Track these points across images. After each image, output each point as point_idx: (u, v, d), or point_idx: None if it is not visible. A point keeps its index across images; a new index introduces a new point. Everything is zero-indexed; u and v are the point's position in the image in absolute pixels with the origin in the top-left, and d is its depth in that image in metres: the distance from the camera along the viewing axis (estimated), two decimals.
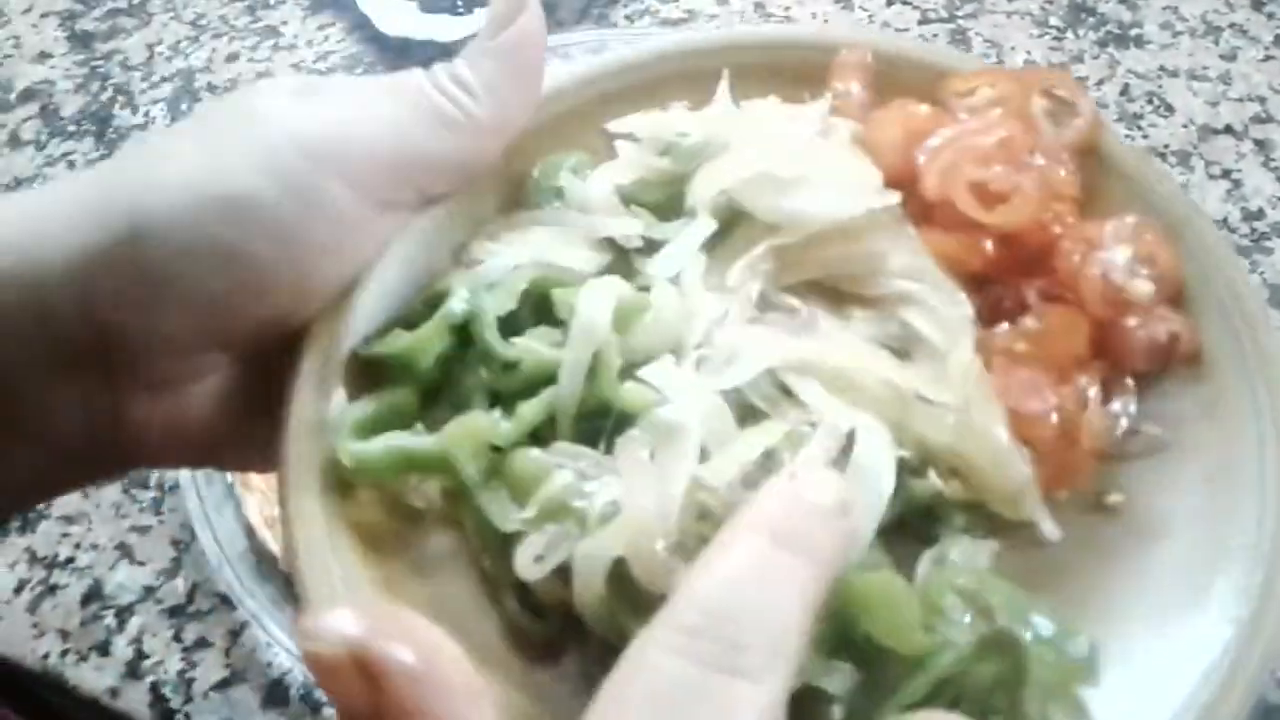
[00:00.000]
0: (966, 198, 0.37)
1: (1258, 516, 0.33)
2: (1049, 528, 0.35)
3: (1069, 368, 0.36)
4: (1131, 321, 0.36)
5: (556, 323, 0.38)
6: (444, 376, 0.38)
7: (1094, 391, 0.36)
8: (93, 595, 0.68)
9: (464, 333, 0.37)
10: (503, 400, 0.36)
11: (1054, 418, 0.35)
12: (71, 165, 0.91)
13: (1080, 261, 0.37)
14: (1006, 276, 0.38)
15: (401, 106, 0.37)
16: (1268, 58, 0.88)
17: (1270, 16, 0.91)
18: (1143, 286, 0.36)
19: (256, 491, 0.68)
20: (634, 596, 0.32)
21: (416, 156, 0.37)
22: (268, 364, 0.38)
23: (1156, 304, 0.37)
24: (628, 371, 0.35)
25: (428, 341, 0.36)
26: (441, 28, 0.91)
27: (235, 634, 0.66)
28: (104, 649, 0.66)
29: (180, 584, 0.68)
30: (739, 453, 0.33)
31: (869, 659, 0.31)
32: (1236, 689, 0.30)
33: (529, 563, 0.33)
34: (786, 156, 0.38)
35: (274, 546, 0.66)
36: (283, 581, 0.66)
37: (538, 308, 0.38)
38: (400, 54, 0.92)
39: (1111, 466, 0.36)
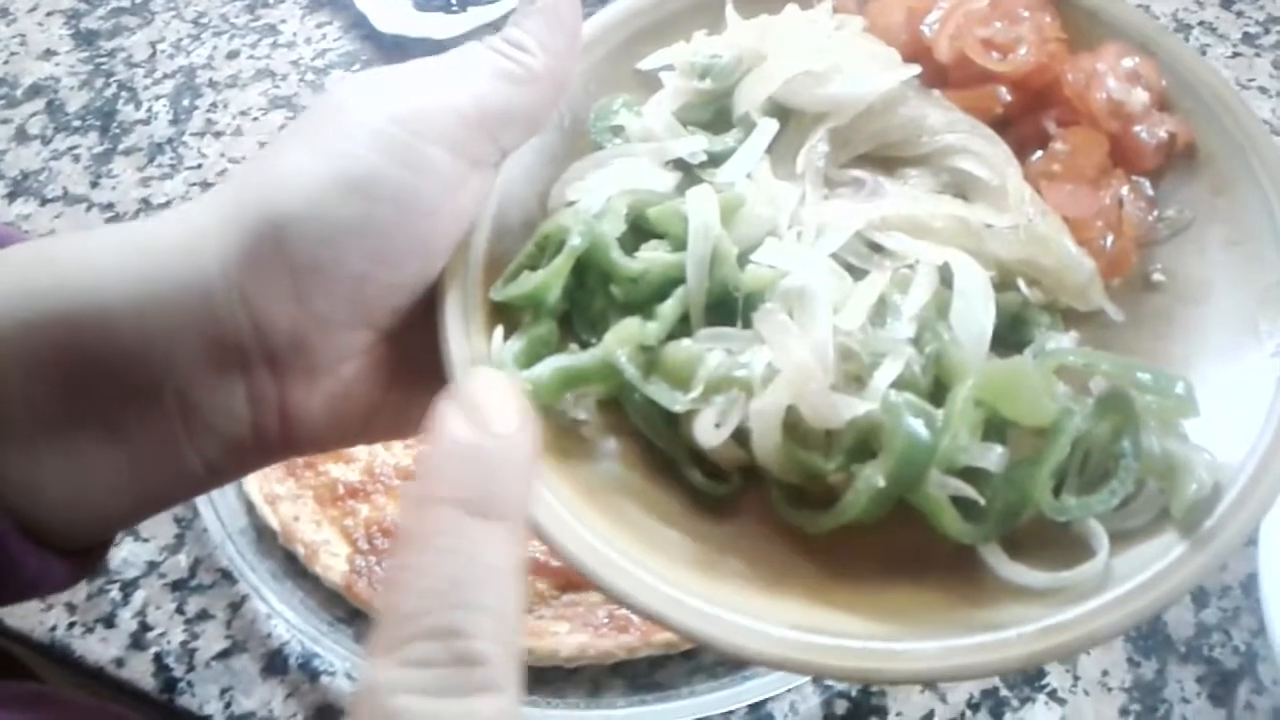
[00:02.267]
0: (981, 51, 0.43)
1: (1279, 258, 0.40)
2: (1113, 310, 0.42)
3: (1098, 176, 0.42)
4: (1136, 128, 0.43)
5: (656, 237, 0.43)
6: (568, 307, 0.42)
7: (1125, 190, 0.42)
8: (98, 571, 0.71)
9: (577, 266, 0.42)
10: (632, 311, 0.41)
11: (1099, 218, 0.41)
12: (76, 160, 0.94)
13: (1084, 87, 0.43)
14: (1024, 115, 0.44)
15: (472, 72, 0.41)
16: (1236, 54, 0.94)
17: (1239, 14, 0.96)
18: (1139, 96, 0.43)
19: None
20: (805, 436, 0.38)
21: (494, 113, 0.41)
22: (402, 337, 0.42)
23: (1151, 110, 0.43)
24: (740, 261, 0.41)
25: (555, 276, 0.41)
26: (436, 25, 0.94)
27: (236, 606, 0.70)
28: (109, 621, 0.69)
29: (183, 559, 0.72)
30: (861, 299, 0.39)
31: (1011, 438, 0.37)
32: None
33: (709, 430, 0.38)
34: (817, 52, 0.44)
35: (274, 522, 0.70)
36: (282, 556, 0.70)
37: (634, 229, 0.43)
38: (396, 51, 0.97)
39: (1149, 251, 0.43)
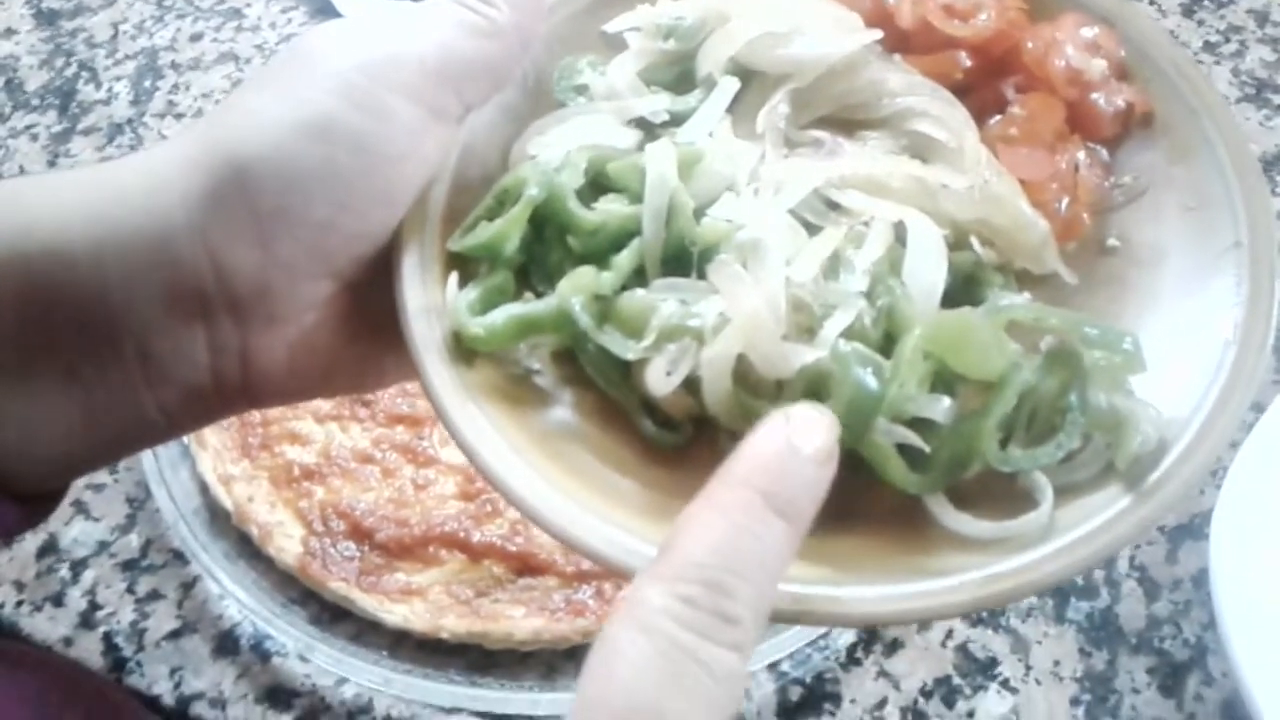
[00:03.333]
0: (942, 17, 0.43)
1: (1233, 224, 0.41)
2: (1067, 273, 0.42)
3: (1054, 142, 0.43)
4: (1094, 96, 0.43)
5: (614, 192, 0.43)
6: (526, 259, 0.42)
7: (1081, 155, 0.42)
8: (48, 549, 0.70)
9: (535, 218, 0.42)
10: (589, 262, 0.41)
11: (1055, 181, 0.42)
12: (34, 138, 0.93)
13: (1043, 55, 0.44)
14: (983, 81, 0.45)
15: (437, 23, 0.41)
16: (1196, 62, 0.93)
17: (1200, 23, 0.98)
18: (1097, 65, 0.43)
19: (210, 449, 0.72)
20: (756, 385, 0.38)
21: (458, 64, 0.41)
22: (365, 289, 0.42)
23: (1110, 79, 0.44)
24: (697, 215, 0.41)
25: (512, 226, 0.41)
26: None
27: (188, 587, 0.69)
28: (58, 600, 0.68)
29: (134, 539, 0.71)
30: (815, 252, 0.39)
31: (959, 391, 0.37)
32: (1252, 349, 0.38)
33: (660, 378, 0.38)
34: (780, 15, 0.44)
35: (227, 503, 0.70)
36: (236, 537, 0.69)
37: (591, 185, 0.43)
38: None
39: (1105, 217, 0.43)
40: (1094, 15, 0.45)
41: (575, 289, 0.40)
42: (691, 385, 0.39)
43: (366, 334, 0.43)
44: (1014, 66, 0.44)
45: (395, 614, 0.66)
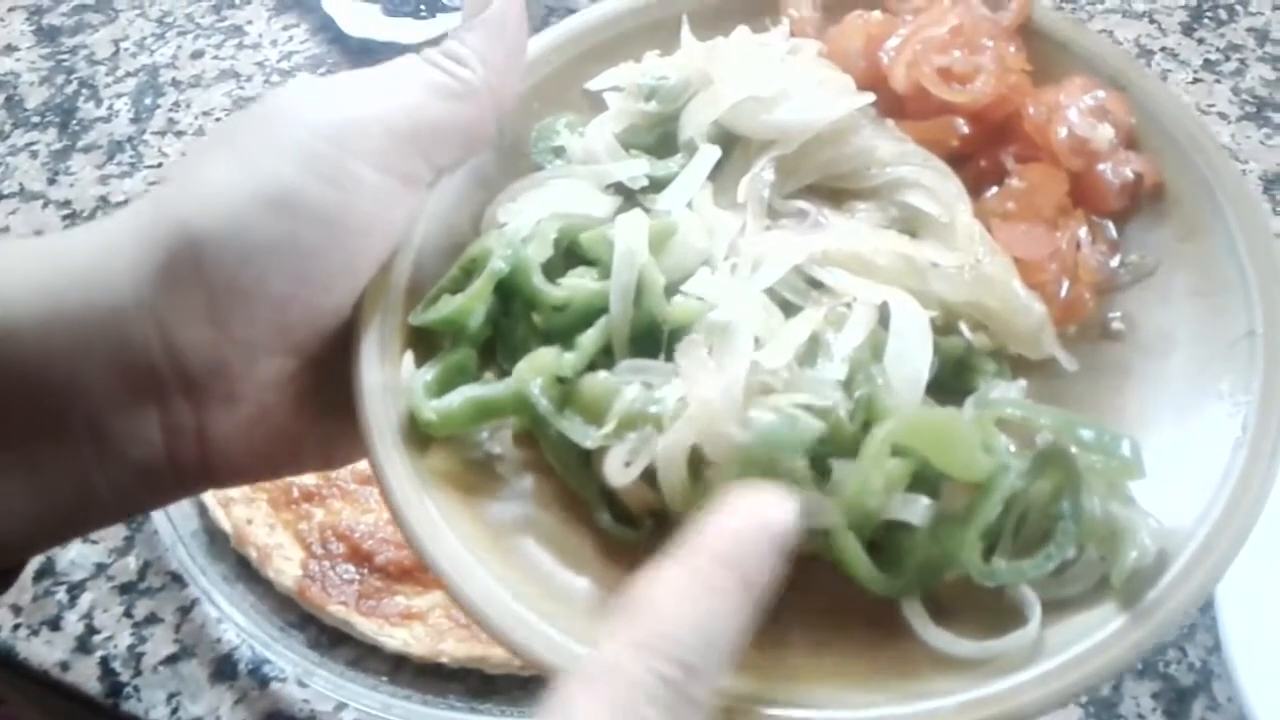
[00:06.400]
0: (936, 81, 0.40)
1: (1247, 311, 0.37)
2: (1066, 359, 0.39)
3: (1055, 217, 0.40)
4: (1100, 167, 0.40)
5: (587, 264, 0.40)
6: (493, 334, 0.40)
7: (1083, 232, 0.40)
8: (45, 572, 0.70)
9: (503, 291, 0.40)
10: (555, 340, 0.39)
11: (1054, 261, 0.39)
12: (34, 155, 0.93)
13: (1046, 122, 0.41)
14: (981, 149, 0.42)
15: (406, 86, 0.39)
16: (1196, 80, 0.95)
17: (1200, 41, 0.97)
18: (1104, 133, 0.40)
19: None
20: (713, 479, 0.36)
21: (427, 129, 0.39)
22: (329, 364, 0.39)
23: (1118, 148, 0.41)
24: (669, 291, 0.38)
25: (476, 300, 0.39)
26: (404, 31, 0.94)
27: (185, 610, 0.68)
28: (55, 624, 0.68)
29: (132, 562, 0.70)
30: (790, 337, 0.36)
31: (942, 492, 0.35)
32: (1264, 453, 0.34)
33: (619, 469, 0.36)
34: (765, 77, 0.42)
35: (226, 525, 0.69)
36: (234, 560, 0.68)
37: (565, 255, 0.41)
38: (362, 56, 0.96)
39: (1109, 297, 0.40)
40: (1102, 79, 0.42)
41: (535, 370, 0.37)
42: (652, 477, 0.36)
43: (332, 411, 0.40)
44: (1014, 134, 0.42)
45: (395, 638, 0.65)
